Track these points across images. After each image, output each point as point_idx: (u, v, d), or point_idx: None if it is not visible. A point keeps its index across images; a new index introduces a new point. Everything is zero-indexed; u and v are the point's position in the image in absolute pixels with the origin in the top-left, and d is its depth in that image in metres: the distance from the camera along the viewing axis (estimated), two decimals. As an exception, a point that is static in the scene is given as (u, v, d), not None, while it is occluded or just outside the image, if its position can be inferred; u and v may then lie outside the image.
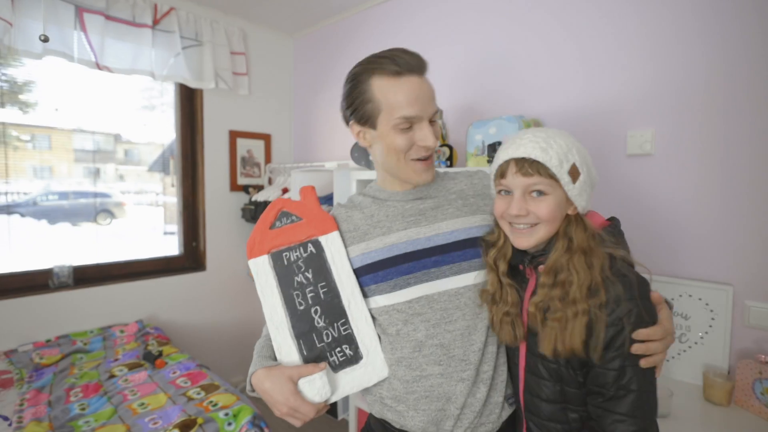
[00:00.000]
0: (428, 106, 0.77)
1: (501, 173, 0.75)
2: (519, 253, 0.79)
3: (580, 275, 0.67)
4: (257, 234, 0.87)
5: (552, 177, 0.70)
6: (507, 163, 0.73)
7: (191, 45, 2.35)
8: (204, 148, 2.49)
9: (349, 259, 0.83)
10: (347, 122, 0.83)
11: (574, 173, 0.70)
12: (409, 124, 0.76)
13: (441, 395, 0.78)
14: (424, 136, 0.77)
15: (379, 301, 0.82)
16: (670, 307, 0.75)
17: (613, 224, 0.76)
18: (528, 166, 0.71)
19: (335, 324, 0.82)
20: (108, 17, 2.05)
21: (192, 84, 2.34)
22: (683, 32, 1.41)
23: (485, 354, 0.80)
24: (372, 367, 0.82)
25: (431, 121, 0.79)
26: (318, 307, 0.82)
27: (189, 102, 2.51)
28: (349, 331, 0.82)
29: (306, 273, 0.83)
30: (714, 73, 1.36)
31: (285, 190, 2.40)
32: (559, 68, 1.68)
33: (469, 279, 0.80)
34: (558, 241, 0.73)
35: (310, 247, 0.84)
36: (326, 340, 0.82)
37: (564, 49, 1.67)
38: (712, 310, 1.36)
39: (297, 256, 0.84)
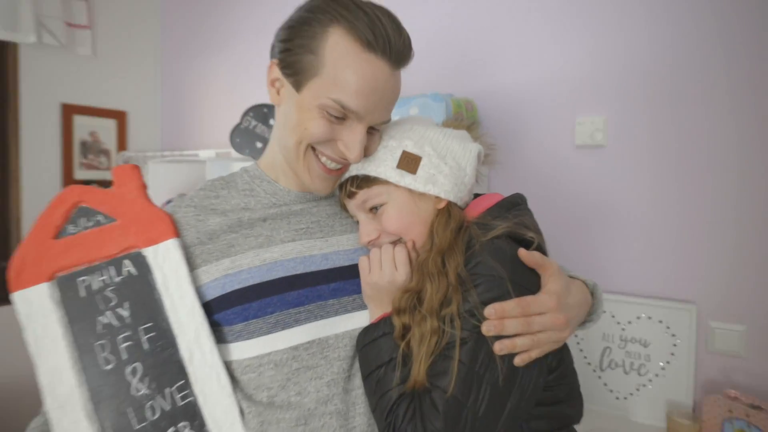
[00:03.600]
0: (380, 109, 0.66)
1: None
2: None
3: (432, 284, 0.63)
4: (30, 247, 0.69)
5: (379, 182, 0.69)
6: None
7: (-8, -23, 1.85)
8: (20, 126, 2.03)
9: (197, 287, 0.69)
10: (271, 55, 0.71)
11: (409, 161, 0.67)
12: (341, 115, 0.65)
13: None
14: (351, 142, 0.66)
15: (246, 350, 0.68)
16: (591, 287, 0.70)
17: (507, 200, 0.70)
18: (350, 186, 0.71)
19: (167, 390, 0.66)
20: None
21: (-3, 34, 1.86)
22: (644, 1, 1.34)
23: None
24: None
25: (372, 129, 0.69)
26: (138, 364, 0.66)
27: (-4, 61, 2.03)
28: (191, 398, 0.66)
29: (119, 309, 0.68)
30: (682, 50, 1.29)
31: (142, 187, 2.02)
32: (498, 41, 1.57)
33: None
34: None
35: (128, 267, 0.70)
36: (151, 418, 0.66)
37: (503, 20, 1.57)
38: (673, 335, 1.28)
39: (104, 281, 0.69)
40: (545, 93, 1.47)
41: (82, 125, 2.21)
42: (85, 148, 2.23)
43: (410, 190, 0.68)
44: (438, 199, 0.69)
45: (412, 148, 0.68)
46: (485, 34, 1.58)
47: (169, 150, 2.43)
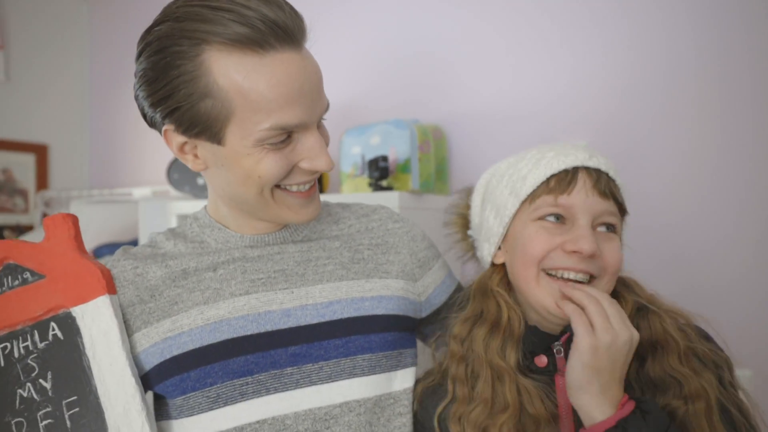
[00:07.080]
0: (316, 101, 0.63)
1: (558, 185, 0.66)
2: (535, 336, 0.70)
3: (678, 339, 0.63)
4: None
5: (621, 206, 0.68)
6: (573, 172, 0.65)
7: None
8: None
9: (136, 353, 0.67)
10: (152, 124, 0.67)
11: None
12: (285, 137, 0.62)
13: None
14: (314, 152, 0.64)
15: (189, 428, 0.66)
16: None
17: None
18: (605, 183, 0.64)
19: None
20: None
21: None
22: (634, 12, 1.33)
23: None
24: None
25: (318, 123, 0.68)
26: None
27: None
28: None
29: (41, 381, 0.67)
30: (672, 65, 1.27)
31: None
32: (469, 60, 1.57)
33: (354, 389, 0.66)
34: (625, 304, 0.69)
35: (54, 330, 0.69)
36: None
37: (474, 37, 1.57)
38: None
39: (26, 348, 0.68)
40: (522, 117, 1.44)
41: (-6, 160, 2.14)
42: (-2, 187, 2.14)
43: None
44: None
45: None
46: (454, 53, 1.57)
47: (98, 188, 2.38)
